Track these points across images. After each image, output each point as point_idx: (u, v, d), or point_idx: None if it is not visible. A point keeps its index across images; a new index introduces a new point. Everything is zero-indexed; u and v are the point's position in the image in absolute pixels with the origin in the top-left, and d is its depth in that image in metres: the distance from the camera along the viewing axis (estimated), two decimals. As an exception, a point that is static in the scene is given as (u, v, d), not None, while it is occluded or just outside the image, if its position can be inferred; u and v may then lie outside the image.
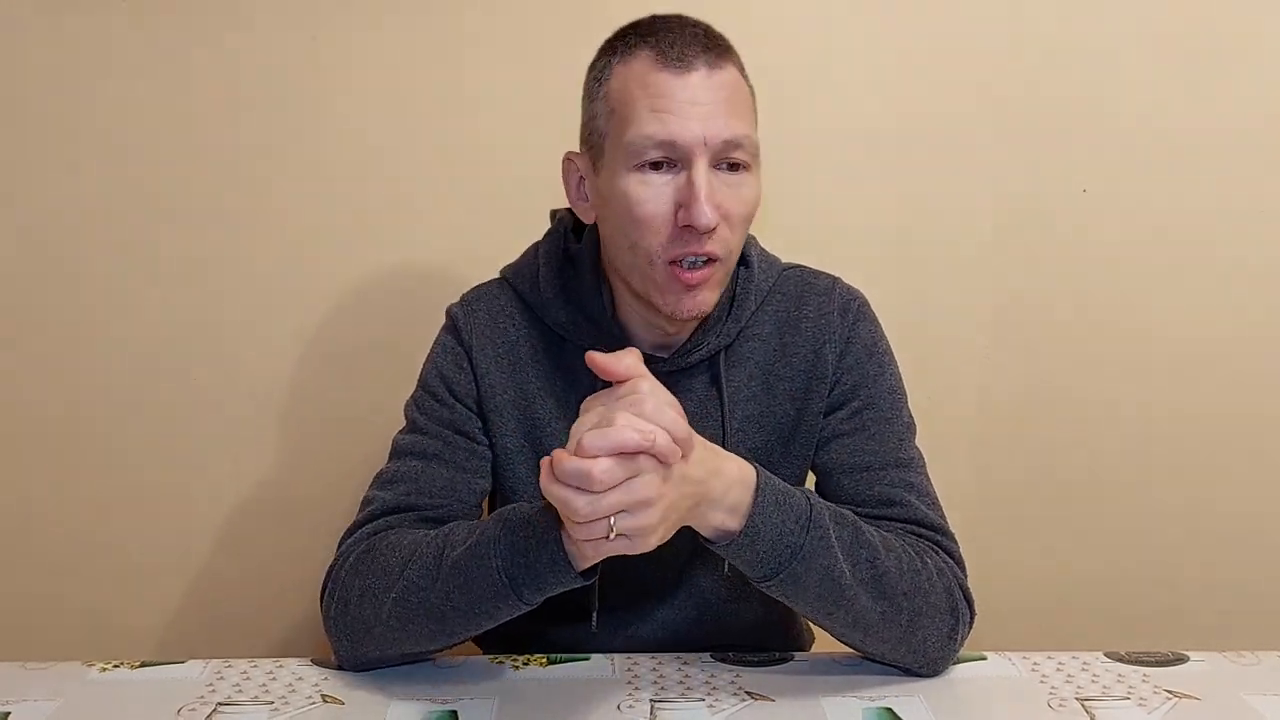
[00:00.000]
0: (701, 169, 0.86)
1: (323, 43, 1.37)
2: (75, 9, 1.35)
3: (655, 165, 0.87)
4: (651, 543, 0.74)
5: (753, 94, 0.92)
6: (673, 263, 0.88)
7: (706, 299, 0.91)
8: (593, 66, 0.93)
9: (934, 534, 0.95)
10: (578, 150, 0.96)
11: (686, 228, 0.86)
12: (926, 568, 0.90)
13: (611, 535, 0.71)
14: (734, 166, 0.88)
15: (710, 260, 0.89)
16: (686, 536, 1.02)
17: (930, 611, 0.88)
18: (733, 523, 0.81)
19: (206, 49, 1.36)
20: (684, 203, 0.86)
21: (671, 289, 0.90)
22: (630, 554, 0.74)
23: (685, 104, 0.85)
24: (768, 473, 0.84)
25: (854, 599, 0.85)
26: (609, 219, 0.92)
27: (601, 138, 0.91)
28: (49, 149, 1.38)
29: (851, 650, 0.95)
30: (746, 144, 0.88)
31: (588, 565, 0.79)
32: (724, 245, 0.89)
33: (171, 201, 1.40)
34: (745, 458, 0.99)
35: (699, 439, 0.78)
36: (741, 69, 0.91)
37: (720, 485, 0.80)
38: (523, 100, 1.38)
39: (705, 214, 0.85)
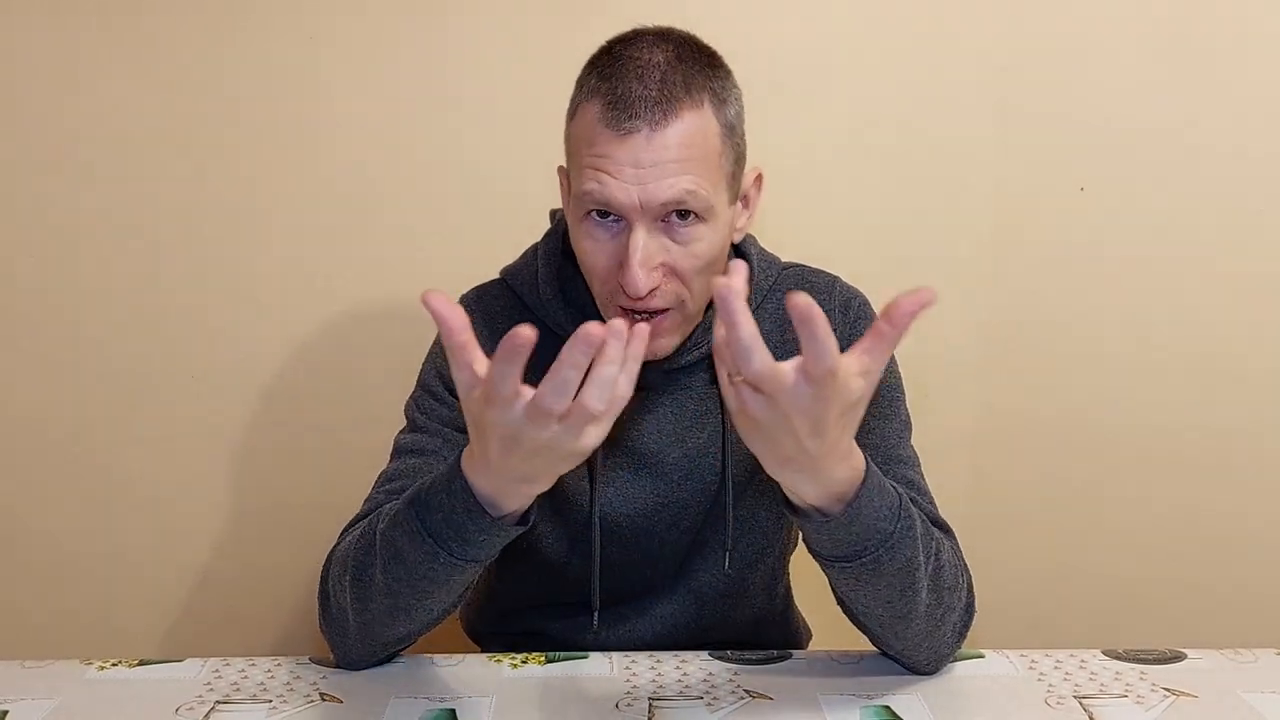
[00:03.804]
0: (639, 234, 0.85)
1: (321, 43, 1.37)
2: (75, 9, 1.35)
3: (602, 215, 0.87)
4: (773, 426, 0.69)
5: (725, 127, 0.88)
6: (623, 308, 0.89)
7: (663, 344, 0.91)
8: (575, 88, 0.91)
9: (937, 530, 0.95)
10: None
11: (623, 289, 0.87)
12: (961, 563, 0.90)
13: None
14: (685, 219, 0.87)
15: (656, 312, 0.88)
16: (686, 533, 1.02)
17: (956, 606, 0.89)
18: (849, 489, 0.76)
19: (205, 50, 1.36)
20: (622, 262, 0.86)
21: None
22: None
23: (624, 166, 0.84)
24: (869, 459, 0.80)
25: (918, 591, 0.83)
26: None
27: (568, 170, 0.92)
28: (49, 149, 1.38)
29: (849, 648, 0.95)
30: (692, 200, 0.85)
31: (507, 510, 0.76)
32: (671, 298, 0.89)
33: (170, 202, 1.40)
34: (744, 456, 1.00)
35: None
36: (713, 99, 0.87)
37: (850, 444, 0.75)
38: (522, 101, 1.38)
39: (636, 281, 0.85)
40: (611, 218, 0.87)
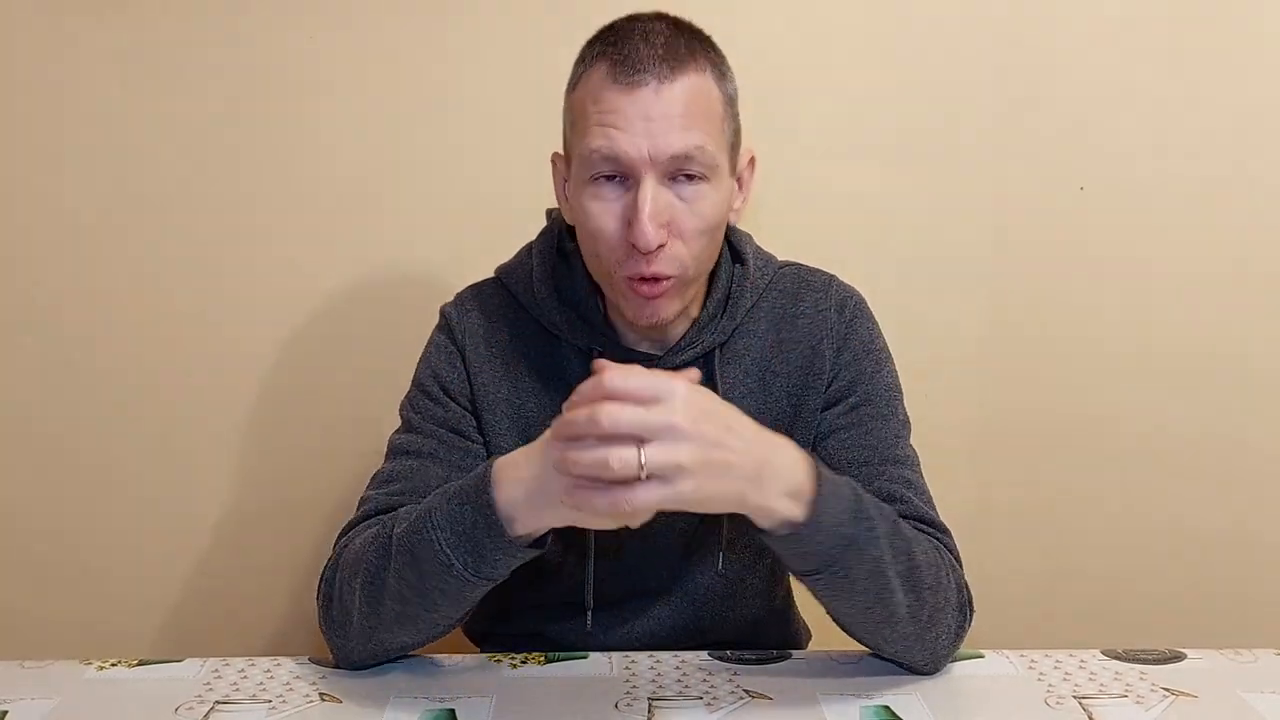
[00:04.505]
0: (648, 186, 0.85)
1: (320, 43, 1.37)
2: (75, 9, 1.35)
3: (608, 178, 0.87)
4: (692, 490, 0.71)
5: (726, 97, 0.91)
6: (629, 276, 0.89)
7: (667, 308, 0.91)
8: (572, 69, 0.93)
9: (933, 530, 0.95)
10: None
11: (634, 245, 0.87)
12: (944, 561, 0.90)
13: (643, 472, 0.69)
14: (690, 177, 0.87)
15: (660, 279, 0.89)
16: (680, 534, 1.02)
17: (946, 607, 0.89)
18: (797, 510, 0.77)
19: (204, 49, 1.36)
20: (629, 220, 0.86)
21: (631, 300, 0.91)
22: (662, 509, 0.72)
23: (633, 119, 0.85)
24: (820, 461, 0.82)
25: (893, 592, 0.84)
26: (577, 226, 0.93)
27: (568, 145, 0.92)
28: (49, 149, 1.38)
29: (849, 648, 0.95)
30: (700, 156, 0.86)
31: (528, 531, 0.78)
32: (676, 263, 0.89)
33: (168, 201, 1.40)
34: None
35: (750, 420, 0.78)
36: (714, 69, 0.89)
37: (783, 462, 0.78)
38: (518, 99, 1.38)
39: (646, 234, 0.85)
40: (618, 179, 0.87)
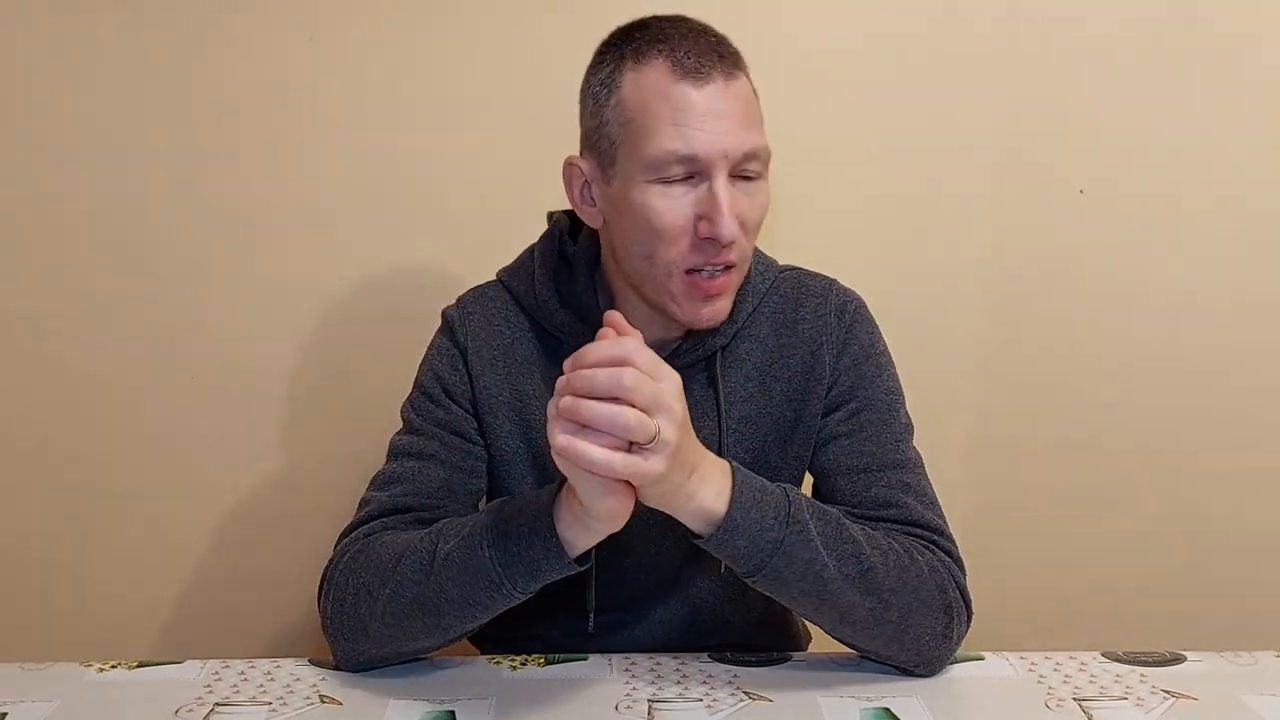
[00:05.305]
0: (723, 182, 0.86)
1: (320, 44, 1.37)
2: (75, 9, 1.35)
3: (676, 178, 0.87)
4: (662, 469, 0.74)
5: (757, 97, 0.92)
6: (690, 272, 0.89)
7: (723, 307, 0.92)
8: (596, 69, 0.92)
9: (931, 534, 0.95)
10: (578, 153, 0.95)
11: (707, 239, 0.87)
12: (916, 565, 0.90)
13: (657, 433, 0.72)
14: (747, 176, 0.89)
15: (728, 268, 0.90)
16: (682, 537, 1.02)
17: (921, 609, 0.88)
18: (719, 509, 0.81)
19: (205, 49, 1.36)
20: (706, 215, 0.87)
21: (690, 298, 0.90)
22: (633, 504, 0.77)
23: (706, 117, 0.85)
24: (745, 469, 0.85)
25: (839, 594, 0.85)
26: (622, 228, 0.91)
27: (613, 145, 0.89)
28: (49, 149, 1.38)
29: (849, 650, 0.95)
30: (762, 154, 0.89)
31: (580, 551, 0.80)
32: (741, 252, 0.90)
33: (170, 202, 1.40)
34: (741, 459, 1.00)
35: None
36: (748, 74, 0.91)
37: (711, 463, 0.82)
38: (520, 102, 1.38)
39: (729, 227, 0.86)
40: (685, 178, 0.87)
